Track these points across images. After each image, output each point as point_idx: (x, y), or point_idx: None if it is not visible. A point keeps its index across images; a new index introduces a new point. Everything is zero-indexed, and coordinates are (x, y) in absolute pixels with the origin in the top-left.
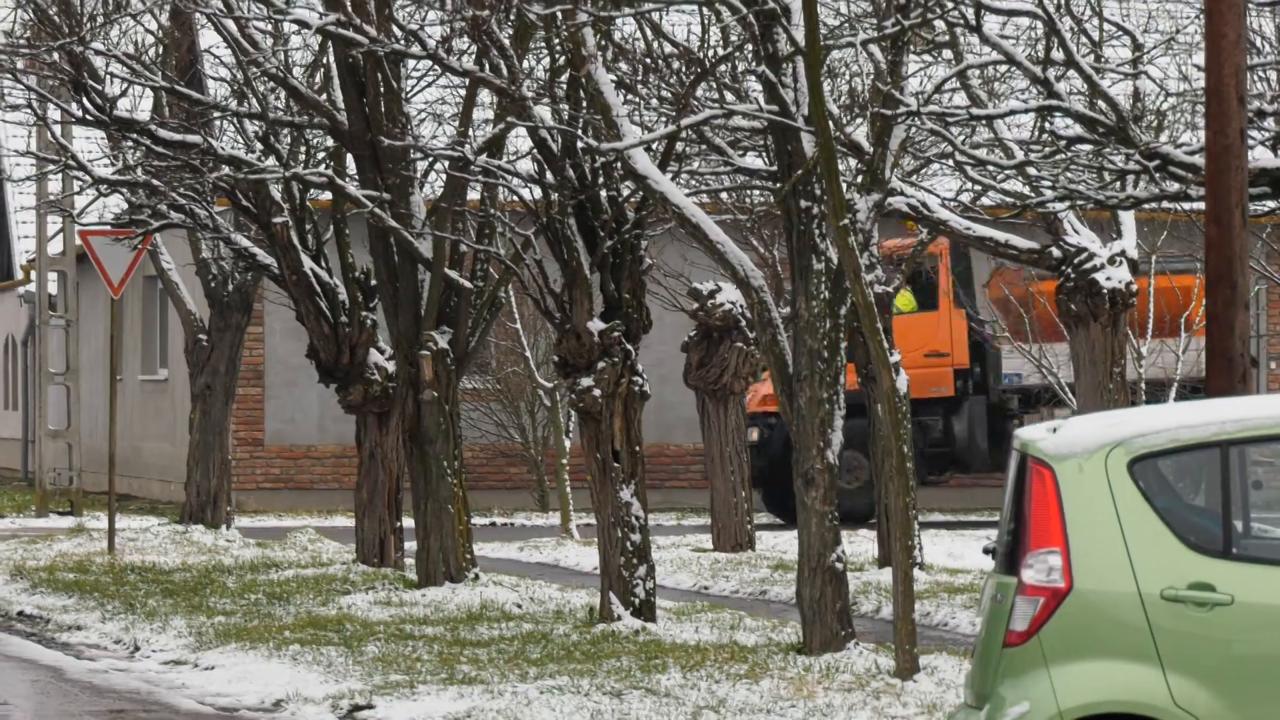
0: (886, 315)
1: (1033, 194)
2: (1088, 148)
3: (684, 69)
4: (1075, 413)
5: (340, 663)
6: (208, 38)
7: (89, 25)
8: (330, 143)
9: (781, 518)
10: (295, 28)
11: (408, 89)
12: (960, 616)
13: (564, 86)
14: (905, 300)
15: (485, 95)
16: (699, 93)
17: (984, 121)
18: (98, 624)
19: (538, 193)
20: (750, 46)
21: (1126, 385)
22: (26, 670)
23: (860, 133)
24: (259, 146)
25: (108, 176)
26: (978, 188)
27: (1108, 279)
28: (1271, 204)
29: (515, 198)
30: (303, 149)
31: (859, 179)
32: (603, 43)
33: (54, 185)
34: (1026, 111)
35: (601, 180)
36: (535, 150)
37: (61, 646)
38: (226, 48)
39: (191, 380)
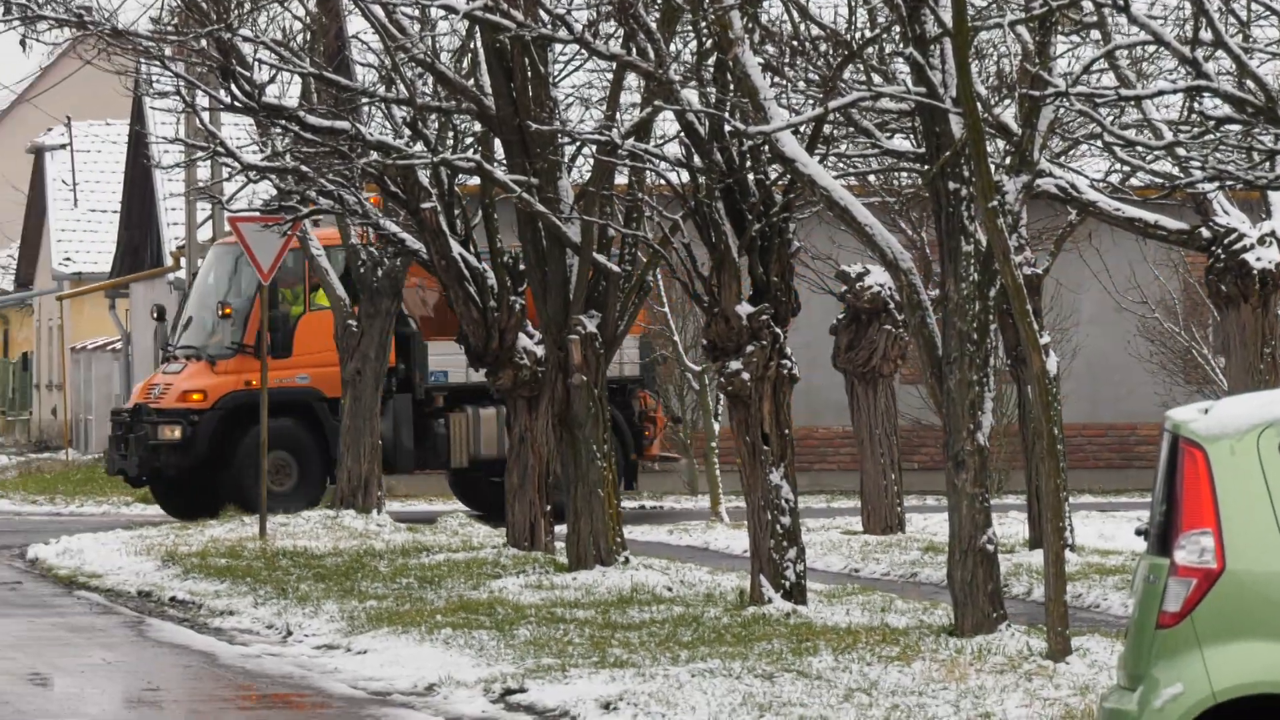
0: (1036, 297)
1: (1181, 174)
2: (1237, 128)
3: (831, 51)
4: (1225, 394)
5: (492, 646)
6: (355, 23)
7: (237, 12)
8: (478, 128)
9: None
10: (442, 13)
11: (555, 73)
12: (1112, 598)
13: (711, 69)
14: (324, 296)
15: (632, 79)
16: (846, 75)
17: (1132, 102)
18: (250, 609)
19: (685, 176)
20: (897, 28)
21: (1278, 366)
22: (179, 655)
23: (1008, 114)
24: (407, 132)
25: (256, 163)
26: (1126, 168)
27: (1258, 259)
28: None
29: (663, 181)
30: (450, 134)
31: (1007, 160)
32: (750, 25)
33: (203, 172)
34: (1175, 92)
35: (749, 163)
36: (682, 134)
37: (214, 632)
38: (374, 33)
39: (342, 365)
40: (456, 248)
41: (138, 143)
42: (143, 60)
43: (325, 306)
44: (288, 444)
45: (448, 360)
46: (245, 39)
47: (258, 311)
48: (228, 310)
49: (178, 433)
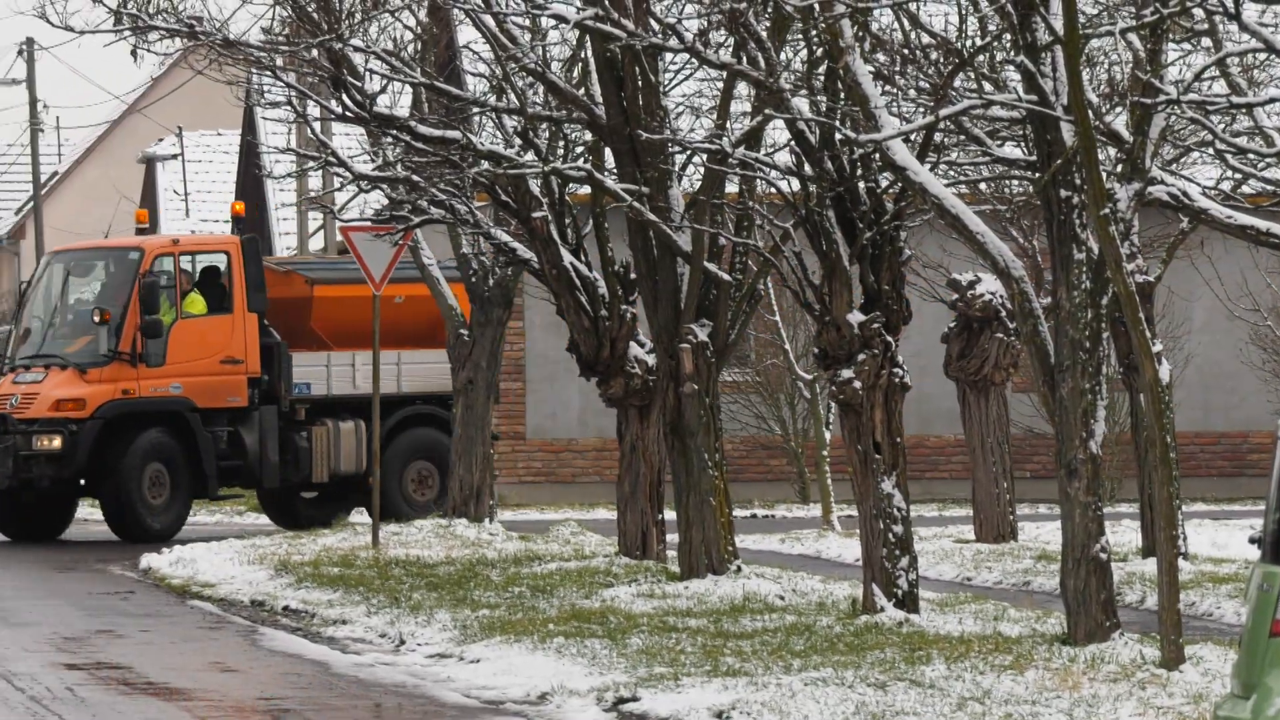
0: (1148, 305)
1: None
2: None
3: (942, 59)
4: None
5: (604, 655)
6: (466, 33)
7: (348, 22)
8: (589, 137)
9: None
10: (553, 22)
11: (665, 82)
12: (1225, 606)
13: (822, 78)
14: (195, 303)
15: (743, 88)
16: (957, 83)
17: (1244, 109)
18: (363, 618)
19: (796, 185)
20: (1008, 36)
21: None
22: (293, 664)
23: (1120, 121)
24: (518, 141)
25: (368, 173)
26: (1238, 176)
27: None
28: None
29: (773, 190)
30: (561, 143)
31: (1119, 168)
32: (860, 34)
33: (314, 182)
34: None
35: (860, 172)
36: (793, 142)
37: (327, 641)
38: (485, 43)
39: (453, 375)
40: (567, 257)
41: (249, 153)
42: (254, 70)
43: (195, 314)
44: (162, 455)
45: (311, 372)
46: (356, 49)
47: (132, 318)
48: (106, 316)
49: (57, 442)
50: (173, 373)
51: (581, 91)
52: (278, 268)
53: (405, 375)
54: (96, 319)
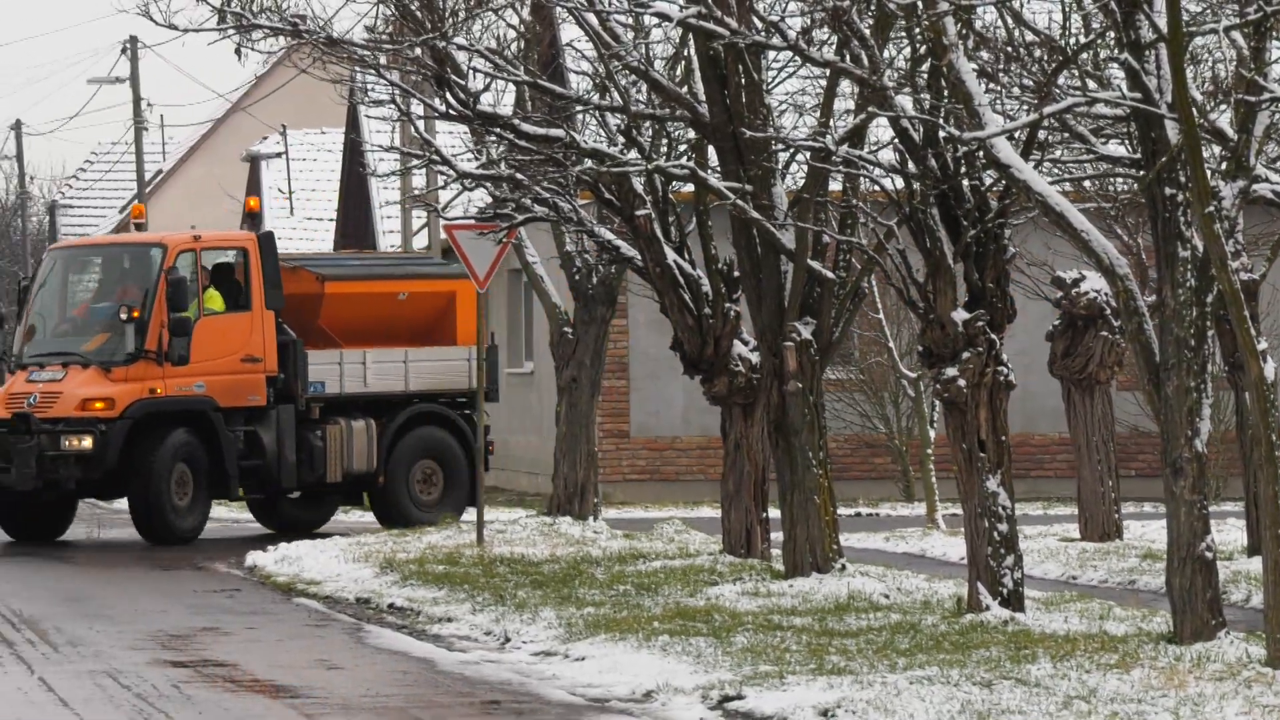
0: (1253, 303)
1: None
2: None
3: (1045, 57)
4: None
5: (709, 653)
6: (569, 31)
7: (451, 21)
8: (692, 135)
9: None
10: (656, 21)
11: (768, 80)
12: None
13: (925, 76)
14: (214, 300)
15: (846, 85)
16: (1060, 80)
17: None
18: (468, 616)
19: (899, 182)
20: (1112, 33)
21: None
22: (398, 662)
23: (1224, 119)
24: (621, 140)
25: (471, 171)
26: None
27: None
28: None
29: (877, 188)
30: (664, 141)
31: (1223, 166)
32: (963, 31)
33: (418, 180)
34: None
35: (964, 169)
36: (897, 140)
37: (433, 639)
38: (588, 41)
39: (557, 373)
40: (671, 255)
41: (353, 151)
42: (358, 69)
43: (216, 311)
44: (186, 456)
45: (324, 370)
46: (460, 47)
47: (158, 316)
48: (136, 313)
49: (88, 442)
50: (196, 371)
51: (685, 89)
52: (286, 264)
53: (412, 373)
54: (124, 316)
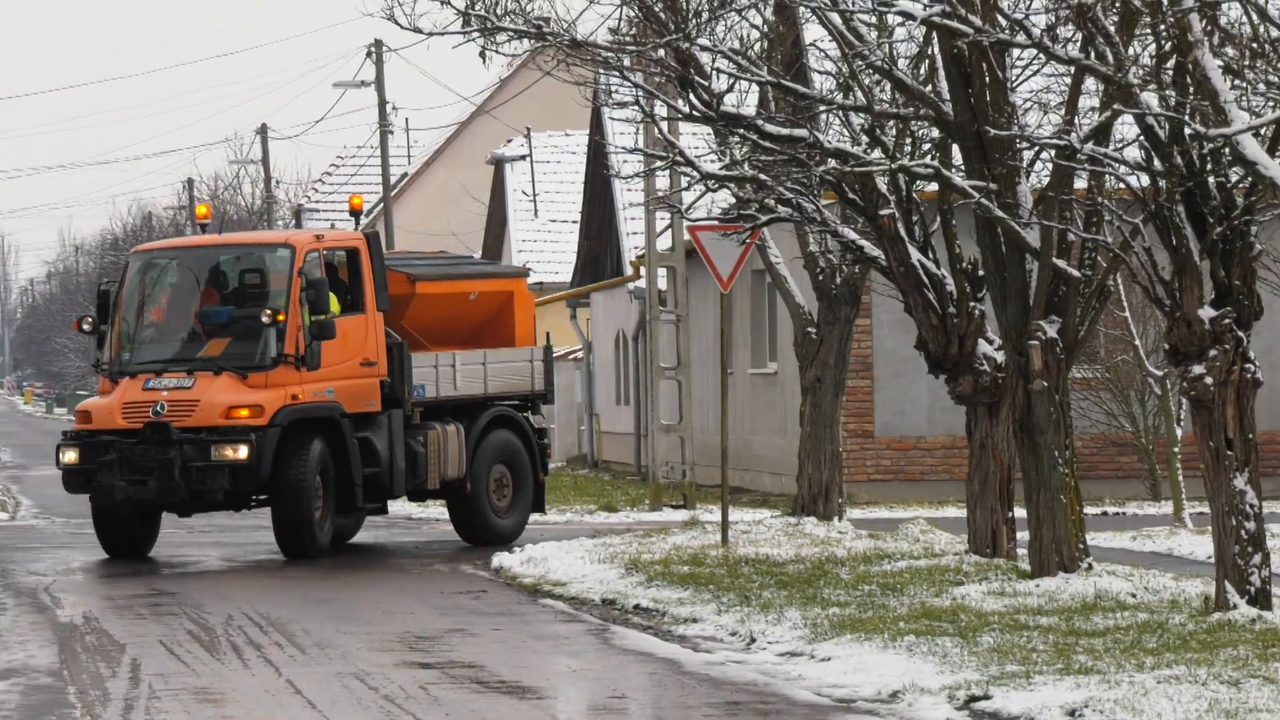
0: None
1: None
2: None
3: None
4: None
5: (955, 653)
6: (812, 31)
7: (694, 21)
8: (935, 134)
9: None
10: (900, 19)
11: (1013, 78)
12: None
13: (1170, 72)
14: (333, 302)
15: (1091, 82)
16: None
17: None
18: (713, 616)
19: (1145, 180)
20: None
21: None
22: (644, 663)
23: None
24: (865, 139)
25: (715, 172)
26: None
27: None
28: None
29: (1122, 185)
30: (908, 141)
31: None
32: (1208, 28)
33: (662, 181)
34: None
35: (1210, 166)
36: (1142, 137)
37: (678, 639)
38: (831, 41)
39: (801, 373)
40: (915, 254)
41: (597, 153)
42: (601, 71)
43: (336, 315)
44: (322, 466)
45: (423, 374)
46: (703, 48)
47: (294, 319)
48: (281, 316)
49: (243, 452)
50: (324, 376)
51: (929, 88)
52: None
53: (491, 376)
54: (267, 320)
